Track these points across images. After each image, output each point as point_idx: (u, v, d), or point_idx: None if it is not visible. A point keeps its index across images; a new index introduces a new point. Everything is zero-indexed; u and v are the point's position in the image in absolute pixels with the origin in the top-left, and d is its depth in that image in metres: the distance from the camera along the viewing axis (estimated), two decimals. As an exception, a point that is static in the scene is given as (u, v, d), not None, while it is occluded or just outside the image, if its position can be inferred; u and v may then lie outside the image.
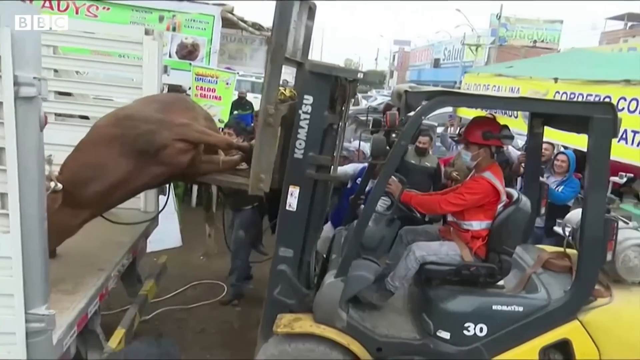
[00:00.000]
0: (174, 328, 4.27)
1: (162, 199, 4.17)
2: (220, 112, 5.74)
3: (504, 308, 2.82)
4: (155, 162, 2.85)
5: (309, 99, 2.73)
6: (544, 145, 5.45)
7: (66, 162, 2.87)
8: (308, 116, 2.74)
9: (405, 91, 2.71)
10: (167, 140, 2.83)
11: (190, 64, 5.96)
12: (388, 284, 2.98)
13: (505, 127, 3.01)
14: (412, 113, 2.76)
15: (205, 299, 4.81)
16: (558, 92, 6.70)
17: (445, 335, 2.82)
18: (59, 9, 5.77)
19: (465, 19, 33.73)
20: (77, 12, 5.84)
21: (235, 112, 8.39)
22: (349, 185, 4.59)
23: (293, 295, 2.93)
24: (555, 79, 6.97)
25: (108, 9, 5.98)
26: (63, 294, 2.79)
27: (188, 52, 6.32)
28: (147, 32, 3.81)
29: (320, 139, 2.81)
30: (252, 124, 6.75)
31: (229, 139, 3.25)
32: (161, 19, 6.15)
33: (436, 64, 38.99)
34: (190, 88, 6.14)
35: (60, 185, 2.63)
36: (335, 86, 2.81)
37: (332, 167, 2.95)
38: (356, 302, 2.94)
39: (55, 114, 3.94)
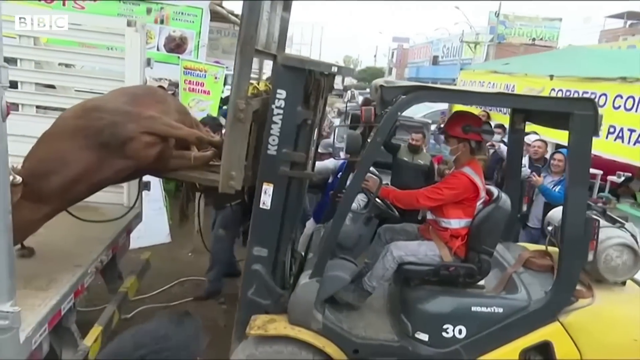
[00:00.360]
0: (156, 326, 4.22)
1: (147, 194, 4.11)
2: (210, 106, 5.68)
3: (484, 309, 2.76)
4: (120, 155, 2.74)
5: (282, 94, 2.65)
6: (537, 143, 5.41)
7: (28, 154, 2.78)
8: (281, 111, 2.66)
9: (381, 86, 2.64)
10: (133, 132, 2.72)
11: (179, 57, 5.88)
12: (365, 283, 2.93)
13: (487, 122, 2.98)
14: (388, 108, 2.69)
15: (191, 296, 4.75)
16: (554, 89, 6.67)
17: (424, 337, 2.76)
18: (46, 0, 5.69)
19: (464, 16, 33.70)
20: (64, 4, 5.75)
21: (224, 107, 8.33)
22: (330, 180, 4.55)
23: (268, 296, 2.85)
24: (551, 76, 6.94)
25: (95, 0, 5.89)
26: (35, 291, 2.73)
27: (176, 45, 6.24)
28: (129, 24, 3.74)
29: (294, 135, 2.72)
30: None
31: (198, 133, 3.11)
32: (149, 11, 6.08)
33: (435, 61, 38.93)
34: (173, 84, 6.07)
35: (19, 179, 2.52)
36: (309, 80, 2.72)
37: (308, 163, 2.89)
38: (333, 303, 2.88)
39: (37, 107, 3.87)
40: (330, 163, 4.53)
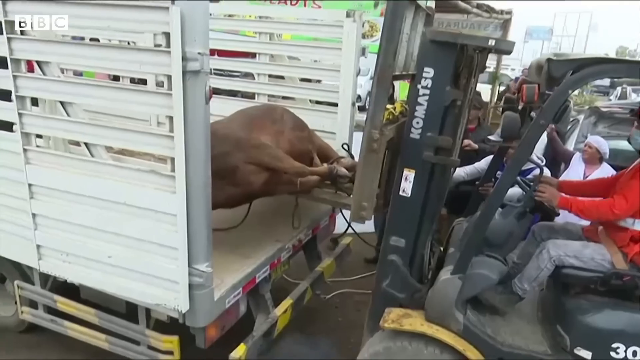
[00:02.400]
0: (352, 310, 4.30)
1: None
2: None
3: None
4: (229, 182, 2.89)
5: (429, 72, 2.42)
6: None
7: None
8: (428, 91, 2.43)
9: (548, 59, 2.28)
10: (239, 162, 2.87)
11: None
12: (515, 286, 2.66)
13: None
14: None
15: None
16: None
17: (586, 354, 2.42)
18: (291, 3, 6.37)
19: None
20: (305, 5, 6.34)
21: None
22: None
23: (403, 289, 2.71)
24: None
25: (331, -1, 6.30)
26: (239, 257, 3.07)
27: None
28: (348, 15, 3.83)
29: (441, 118, 2.50)
30: None
31: (300, 168, 3.13)
32: (376, 5, 6.21)
33: None
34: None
35: None
36: (460, 57, 2.46)
37: (454, 149, 2.62)
38: (476, 304, 2.65)
39: (269, 95, 4.32)
40: (481, 163, 4.01)
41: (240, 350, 2.79)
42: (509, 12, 8.45)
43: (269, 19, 4.44)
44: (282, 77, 4.31)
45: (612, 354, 2.38)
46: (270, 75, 4.30)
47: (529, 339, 2.62)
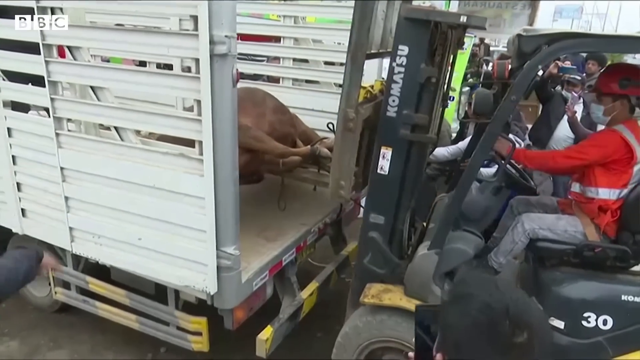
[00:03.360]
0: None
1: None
2: (455, 79, 5.37)
3: (638, 299, 2.35)
4: None
5: (403, 50, 2.40)
6: None
7: None
8: (402, 69, 2.42)
9: (518, 34, 2.27)
10: None
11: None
12: (491, 259, 2.70)
13: None
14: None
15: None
16: None
17: (559, 324, 2.46)
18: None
19: None
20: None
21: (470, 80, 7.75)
22: None
23: (384, 265, 2.74)
24: None
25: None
26: (264, 240, 3.11)
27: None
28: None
29: (417, 95, 2.48)
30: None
31: (281, 149, 3.18)
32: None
33: None
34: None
35: None
36: (434, 34, 2.43)
37: (431, 126, 2.60)
38: (453, 278, 2.65)
39: (292, 79, 4.31)
40: (462, 143, 4.10)
41: (267, 332, 2.83)
42: (538, -10, 8.23)
43: (293, 2, 4.40)
44: (306, 61, 4.28)
45: (584, 323, 2.42)
46: (294, 59, 4.27)
47: None
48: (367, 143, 2.89)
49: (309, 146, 3.42)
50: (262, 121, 3.22)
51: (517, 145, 2.82)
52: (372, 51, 2.70)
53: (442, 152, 4.01)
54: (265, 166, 3.29)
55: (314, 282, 3.38)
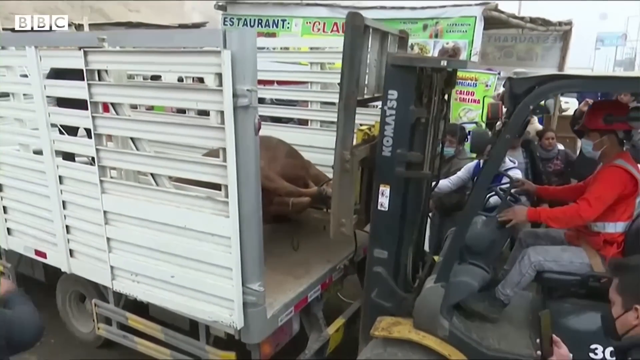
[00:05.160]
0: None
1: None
2: (478, 115, 5.45)
3: None
4: None
5: (393, 94, 2.60)
6: None
7: None
8: (394, 112, 2.61)
9: (509, 78, 2.42)
10: None
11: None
12: (499, 292, 2.73)
13: (636, 108, 2.51)
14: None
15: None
16: None
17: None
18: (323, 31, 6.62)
19: None
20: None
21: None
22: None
23: (390, 298, 2.83)
24: None
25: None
26: (291, 278, 3.24)
27: (449, 57, 6.22)
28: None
29: (409, 135, 2.65)
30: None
31: (289, 188, 3.36)
32: (425, 27, 6.29)
33: None
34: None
35: None
36: (420, 77, 2.62)
37: (426, 163, 2.77)
38: (463, 310, 2.74)
39: (320, 121, 4.52)
40: (461, 173, 4.10)
41: (293, 367, 2.92)
42: (568, 23, 8.20)
43: (320, 50, 4.66)
44: (333, 104, 4.48)
45: (591, 355, 2.41)
46: (322, 103, 4.49)
47: (516, 343, 2.66)
48: (367, 182, 3.03)
49: (316, 187, 3.58)
50: (274, 164, 3.42)
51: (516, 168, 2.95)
52: (367, 96, 2.91)
53: (445, 183, 4.07)
54: (276, 207, 3.43)
55: (340, 318, 3.45)
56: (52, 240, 3.46)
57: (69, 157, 3.32)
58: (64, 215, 3.30)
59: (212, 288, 2.69)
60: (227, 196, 2.50)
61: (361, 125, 3.23)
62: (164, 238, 2.81)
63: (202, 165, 2.62)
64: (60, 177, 3.23)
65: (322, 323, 3.34)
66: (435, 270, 2.82)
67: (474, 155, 4.11)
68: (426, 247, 4.02)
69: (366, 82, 2.90)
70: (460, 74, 5.46)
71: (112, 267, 3.12)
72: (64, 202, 3.27)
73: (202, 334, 3.08)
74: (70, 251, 3.38)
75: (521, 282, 2.68)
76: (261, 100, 3.98)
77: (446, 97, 3.04)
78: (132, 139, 2.84)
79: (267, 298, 2.77)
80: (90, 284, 3.56)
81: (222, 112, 2.39)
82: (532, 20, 6.91)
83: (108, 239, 3.06)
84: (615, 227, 2.53)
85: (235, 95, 2.35)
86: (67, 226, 3.33)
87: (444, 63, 2.55)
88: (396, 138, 2.65)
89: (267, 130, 3.65)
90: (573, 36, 8.47)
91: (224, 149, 2.44)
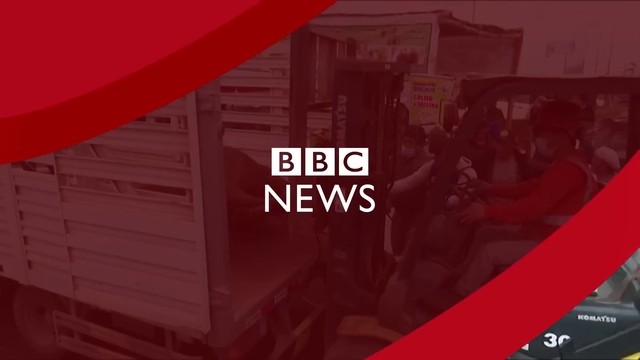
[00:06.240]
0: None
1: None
2: (437, 119, 5.64)
3: (593, 318, 2.46)
4: None
5: (342, 98, 2.69)
6: None
7: None
8: (344, 116, 2.70)
9: (463, 80, 2.53)
10: None
11: (409, 74, 6.03)
12: (459, 287, 2.80)
13: (587, 108, 2.76)
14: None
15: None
16: None
17: (524, 345, 2.53)
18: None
19: None
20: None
21: None
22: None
23: (352, 298, 2.89)
24: None
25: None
26: (258, 282, 3.25)
27: (407, 62, 6.42)
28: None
29: (359, 137, 2.73)
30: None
31: (248, 199, 3.53)
32: (383, 34, 6.46)
33: None
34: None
35: None
36: (367, 82, 2.72)
37: (378, 164, 2.86)
38: (426, 306, 2.80)
39: (282, 127, 4.55)
40: (418, 172, 4.22)
41: (260, 369, 2.94)
42: (519, 31, 8.61)
43: (281, 55, 4.73)
44: None
45: (546, 343, 2.51)
46: (283, 108, 4.55)
47: None
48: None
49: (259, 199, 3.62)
50: (231, 175, 3.45)
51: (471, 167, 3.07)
52: (319, 101, 3.00)
53: (401, 184, 4.12)
54: (236, 217, 3.44)
55: (307, 319, 3.49)
56: (8, 252, 3.36)
57: (28, 166, 3.24)
58: (22, 226, 3.21)
59: (178, 293, 2.69)
60: (191, 201, 2.52)
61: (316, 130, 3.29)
62: (127, 244, 2.78)
63: (166, 170, 2.63)
64: (16, 187, 3.15)
65: (289, 325, 3.37)
66: (399, 268, 2.90)
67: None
68: (389, 247, 4.16)
69: (317, 88, 2.99)
70: (418, 79, 5.65)
71: (73, 277, 3.06)
72: (21, 213, 3.19)
73: (169, 341, 3.06)
74: (29, 262, 3.29)
75: (480, 278, 2.75)
76: (222, 107, 4.01)
77: (396, 100, 3.13)
78: (92, 145, 2.81)
79: (233, 301, 2.78)
80: (50, 295, 3.46)
81: (184, 117, 2.41)
82: (485, 28, 7.22)
83: (69, 248, 3.01)
84: (566, 221, 2.65)
85: (198, 100, 2.37)
86: (24, 237, 3.24)
87: (387, 67, 2.67)
88: (348, 141, 2.73)
89: (229, 136, 3.67)
90: (525, 44, 8.90)
91: (187, 154, 2.46)
